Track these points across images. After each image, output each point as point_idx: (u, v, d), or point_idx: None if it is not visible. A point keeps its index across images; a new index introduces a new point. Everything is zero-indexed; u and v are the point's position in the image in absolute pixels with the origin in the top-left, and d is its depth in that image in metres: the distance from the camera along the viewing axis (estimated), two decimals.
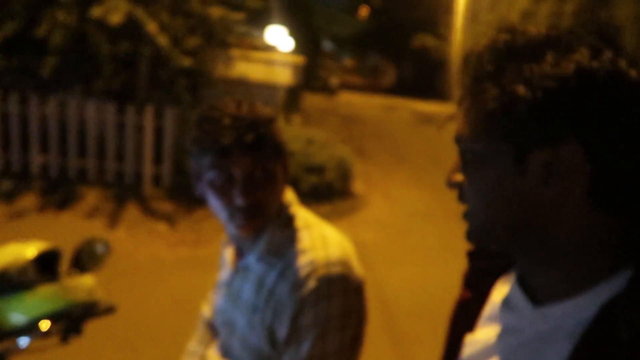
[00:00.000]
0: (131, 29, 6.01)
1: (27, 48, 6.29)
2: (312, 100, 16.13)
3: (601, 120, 0.57)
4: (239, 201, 1.10)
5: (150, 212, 5.90)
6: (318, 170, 6.57)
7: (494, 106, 0.62)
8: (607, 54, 0.59)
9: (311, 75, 19.39)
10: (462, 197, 0.71)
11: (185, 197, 6.06)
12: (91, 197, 6.03)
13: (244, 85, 8.15)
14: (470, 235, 0.71)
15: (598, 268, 0.62)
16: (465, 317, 0.82)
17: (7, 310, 1.35)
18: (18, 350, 1.34)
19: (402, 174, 9.07)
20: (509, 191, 0.63)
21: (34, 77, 6.31)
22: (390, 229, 6.20)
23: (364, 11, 32.96)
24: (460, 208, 0.74)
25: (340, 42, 31.87)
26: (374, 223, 6.34)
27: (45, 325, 1.37)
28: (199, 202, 5.69)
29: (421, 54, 24.48)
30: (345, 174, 7.02)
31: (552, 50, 0.60)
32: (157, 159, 6.47)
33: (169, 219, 5.76)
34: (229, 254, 1.31)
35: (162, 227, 5.59)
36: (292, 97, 11.21)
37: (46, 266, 1.41)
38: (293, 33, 17.62)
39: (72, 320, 1.42)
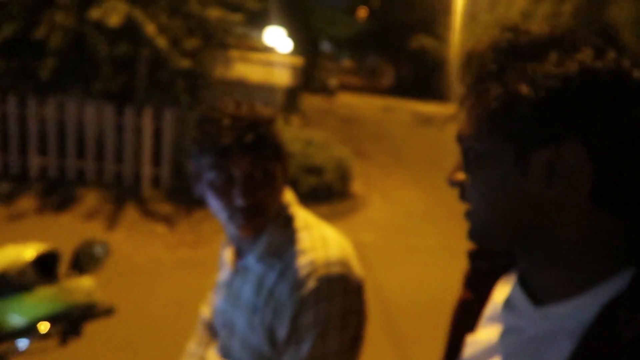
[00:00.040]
0: (130, 30, 6.01)
1: (25, 50, 6.28)
2: (311, 101, 16.14)
3: (604, 120, 0.57)
4: (239, 201, 1.10)
5: (149, 214, 5.90)
6: (317, 171, 6.57)
7: (496, 105, 0.62)
8: (611, 54, 0.59)
9: (310, 76, 19.40)
10: (463, 196, 0.71)
11: (184, 198, 6.05)
12: (90, 198, 6.03)
13: (242, 87, 8.15)
14: (471, 235, 0.71)
15: (599, 268, 0.62)
16: (466, 317, 0.81)
17: (6, 312, 1.34)
18: (17, 352, 1.34)
19: (401, 174, 9.07)
20: (511, 190, 0.63)
21: (33, 79, 6.31)
22: (389, 230, 6.20)
23: (362, 12, 32.99)
24: (459, 208, 0.74)
25: (339, 43, 31.93)
26: (373, 224, 6.34)
27: (44, 327, 1.36)
28: (198, 204, 5.71)
29: (420, 54, 24.52)
30: (344, 175, 7.02)
31: (556, 49, 0.60)
32: (156, 161, 6.47)
33: (168, 221, 5.76)
34: (228, 254, 1.30)
35: (161, 228, 5.58)
36: (291, 98, 11.22)
37: (45, 268, 1.41)
38: (292, 34, 17.64)
39: (71, 322, 1.41)
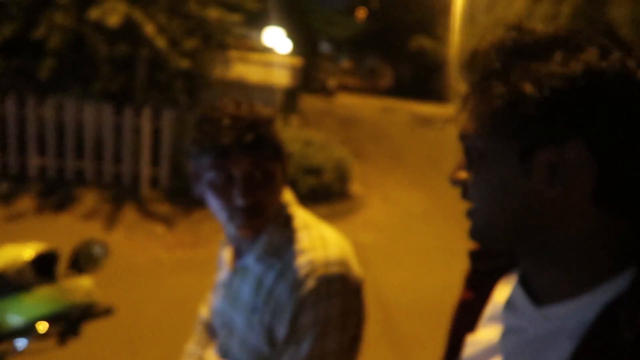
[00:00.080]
0: (129, 30, 6.01)
1: (24, 50, 6.28)
2: (309, 102, 16.14)
3: (608, 121, 0.57)
4: (239, 201, 1.10)
5: (148, 214, 5.89)
6: (316, 171, 6.57)
7: (500, 104, 0.61)
8: (616, 55, 0.58)
9: (309, 77, 19.41)
10: (465, 195, 0.71)
11: (183, 198, 6.05)
12: (89, 199, 6.02)
13: (241, 87, 8.15)
14: (473, 234, 0.71)
15: (601, 268, 0.62)
16: (466, 317, 0.81)
17: (5, 312, 1.34)
18: (15, 352, 1.33)
19: (400, 175, 9.07)
20: (513, 189, 0.63)
21: (32, 79, 6.30)
22: (388, 231, 6.20)
23: (361, 13, 33.01)
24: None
25: (338, 44, 31.92)
26: (372, 224, 6.34)
27: (42, 326, 1.36)
28: (197, 204, 5.70)
29: (419, 55, 24.53)
30: (343, 176, 7.02)
31: (561, 49, 0.60)
32: (155, 161, 6.47)
33: (167, 221, 5.75)
34: (227, 254, 1.30)
35: (159, 229, 5.58)
36: (290, 99, 11.22)
37: (44, 268, 1.41)
38: (291, 35, 17.65)
39: (69, 322, 1.41)
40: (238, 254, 1.26)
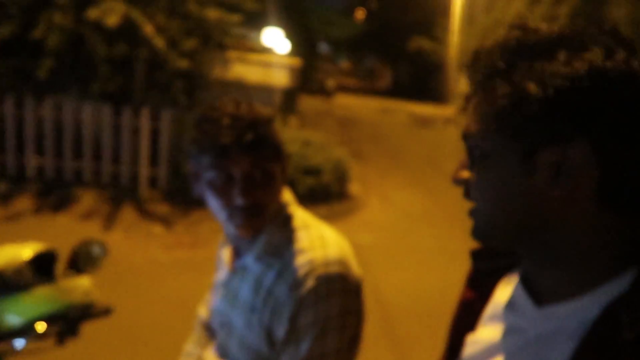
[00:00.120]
0: (128, 31, 6.01)
1: (23, 50, 6.27)
2: (308, 103, 16.15)
3: (612, 121, 0.57)
4: (239, 201, 1.10)
5: (146, 214, 5.89)
6: (315, 172, 6.58)
7: (504, 103, 0.61)
8: (621, 54, 0.58)
9: (308, 78, 19.41)
10: (468, 194, 0.71)
11: (181, 199, 6.05)
12: (87, 199, 6.02)
13: (240, 87, 8.14)
14: (475, 233, 0.71)
15: (603, 268, 0.62)
16: (468, 317, 0.81)
17: (3, 312, 1.34)
18: (14, 352, 1.33)
19: (398, 176, 9.08)
20: (516, 189, 0.63)
21: (30, 79, 6.30)
22: (387, 231, 6.21)
23: (360, 14, 33.03)
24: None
25: (337, 45, 31.94)
26: (371, 225, 6.34)
27: (41, 326, 1.36)
28: (196, 204, 5.71)
29: (417, 56, 24.55)
30: (341, 176, 7.03)
31: (565, 49, 0.59)
32: (153, 161, 6.46)
33: (165, 221, 5.75)
34: (226, 254, 1.30)
35: (158, 229, 5.58)
36: (289, 99, 11.22)
37: (42, 267, 1.41)
38: (289, 35, 17.65)
39: (68, 322, 1.41)
40: (237, 254, 1.26)
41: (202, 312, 1.46)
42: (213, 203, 1.14)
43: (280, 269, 1.14)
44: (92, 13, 5.77)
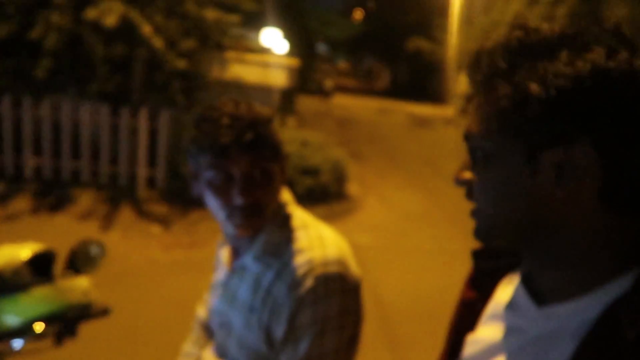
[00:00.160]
0: (126, 31, 6.00)
1: (21, 50, 6.27)
2: (306, 103, 16.15)
3: (615, 121, 0.57)
4: (238, 200, 1.10)
5: (144, 215, 5.88)
6: (313, 172, 6.58)
7: (506, 104, 0.61)
8: (623, 54, 0.58)
9: (306, 78, 19.42)
10: (470, 195, 0.71)
11: (179, 199, 6.04)
12: (85, 199, 6.01)
13: (238, 88, 8.14)
14: (477, 233, 0.70)
15: (605, 269, 0.62)
16: (469, 317, 0.81)
17: (1, 312, 1.34)
18: (12, 353, 1.33)
19: (397, 176, 9.08)
20: (519, 190, 0.63)
21: (28, 79, 6.29)
22: (385, 232, 6.21)
23: (358, 14, 33.06)
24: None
25: (335, 45, 31.98)
26: (369, 225, 6.34)
27: (39, 327, 1.36)
28: (194, 204, 5.71)
29: (415, 56, 24.58)
30: (340, 177, 7.03)
31: (567, 48, 0.59)
32: (152, 161, 6.46)
33: (164, 222, 5.74)
34: (224, 254, 1.30)
35: (156, 229, 5.57)
36: (287, 100, 11.23)
37: (40, 268, 1.40)
38: (288, 36, 17.65)
39: (66, 322, 1.41)
40: (236, 254, 1.26)
41: (201, 312, 1.45)
42: (212, 203, 1.14)
43: (279, 268, 1.14)
44: (90, 13, 5.77)
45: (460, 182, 0.72)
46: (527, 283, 0.70)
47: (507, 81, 0.61)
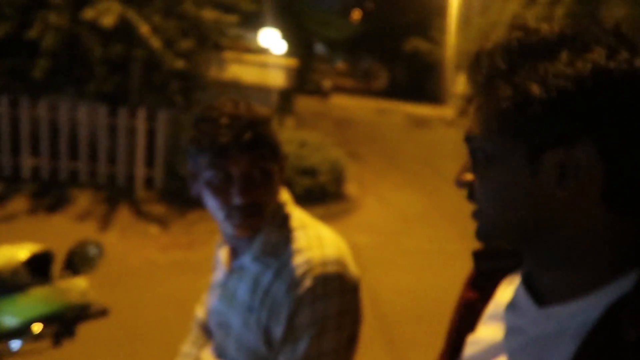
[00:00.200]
0: (124, 31, 6.00)
1: (18, 50, 6.26)
2: (305, 103, 16.15)
3: (617, 121, 0.57)
4: (237, 200, 1.10)
5: (142, 215, 5.88)
6: (311, 172, 6.58)
7: (507, 105, 0.61)
8: (624, 54, 0.58)
9: (304, 78, 19.43)
10: (471, 196, 0.71)
11: (177, 199, 6.04)
12: (83, 199, 6.00)
13: (237, 88, 8.14)
14: (479, 234, 0.70)
15: (606, 269, 0.62)
16: (469, 317, 0.81)
17: None
18: (10, 353, 1.33)
19: (395, 176, 9.09)
20: (521, 191, 0.63)
21: (26, 80, 6.28)
22: (383, 232, 6.21)
23: (356, 14, 33.08)
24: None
25: (333, 45, 31.95)
26: (368, 226, 6.34)
27: (37, 327, 1.35)
28: (192, 205, 5.70)
29: (414, 57, 24.57)
30: (338, 177, 7.03)
31: (567, 49, 0.59)
32: (150, 162, 6.45)
33: (162, 222, 5.74)
34: (223, 254, 1.30)
35: (154, 229, 5.56)
36: (285, 100, 11.22)
37: (38, 268, 1.40)
38: (286, 36, 17.65)
39: (64, 323, 1.40)
40: (234, 254, 1.26)
41: (199, 312, 1.45)
42: (211, 203, 1.14)
43: (278, 268, 1.14)
44: (88, 13, 5.76)
45: (461, 183, 0.72)
46: (528, 283, 0.70)
47: (507, 82, 0.61)
